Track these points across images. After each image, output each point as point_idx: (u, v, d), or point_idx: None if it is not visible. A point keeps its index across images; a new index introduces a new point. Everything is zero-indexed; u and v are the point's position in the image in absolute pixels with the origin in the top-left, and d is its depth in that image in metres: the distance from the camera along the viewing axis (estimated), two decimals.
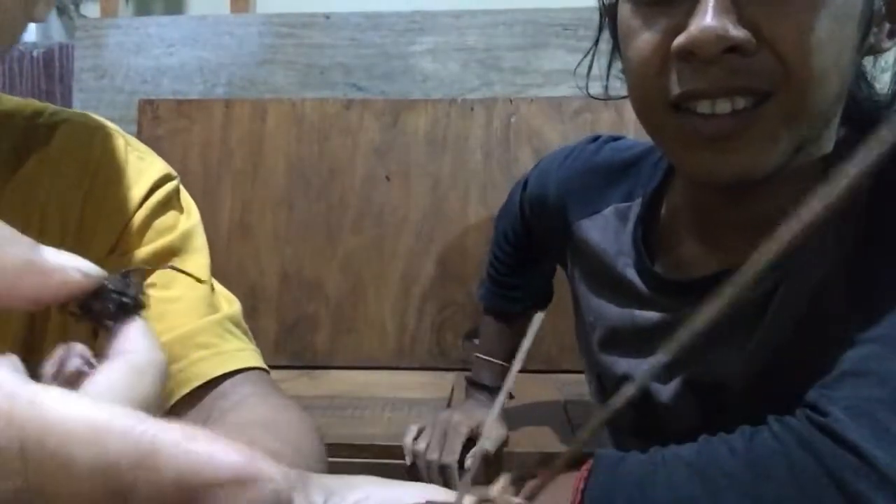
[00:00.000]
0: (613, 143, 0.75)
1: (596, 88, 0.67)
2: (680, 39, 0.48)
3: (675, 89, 0.50)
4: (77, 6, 1.62)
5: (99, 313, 0.22)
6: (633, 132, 1.16)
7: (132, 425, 0.15)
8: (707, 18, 0.46)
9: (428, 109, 1.41)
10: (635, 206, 0.67)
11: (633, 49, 0.53)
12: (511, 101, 1.40)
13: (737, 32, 0.46)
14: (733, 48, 0.47)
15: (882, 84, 0.58)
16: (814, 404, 0.46)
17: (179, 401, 0.50)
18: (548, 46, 1.47)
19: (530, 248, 0.87)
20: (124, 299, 0.22)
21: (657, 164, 0.68)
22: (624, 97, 0.59)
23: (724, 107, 0.49)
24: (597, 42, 0.65)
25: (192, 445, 0.16)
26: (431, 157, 1.39)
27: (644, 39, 0.52)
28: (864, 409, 0.44)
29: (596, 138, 0.77)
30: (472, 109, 1.40)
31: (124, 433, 0.15)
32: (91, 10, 1.65)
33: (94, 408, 0.16)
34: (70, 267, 0.21)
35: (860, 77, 0.57)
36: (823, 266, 0.53)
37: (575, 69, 0.67)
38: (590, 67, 0.67)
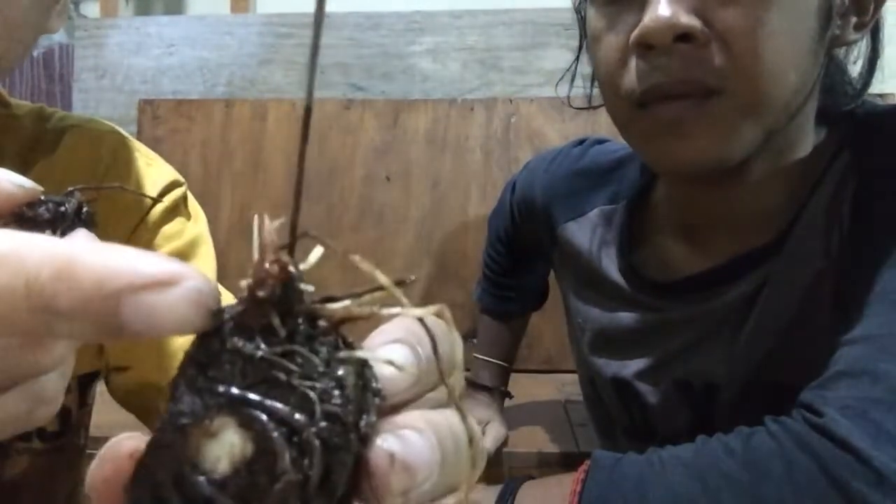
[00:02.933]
0: (598, 147, 0.75)
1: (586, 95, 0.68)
2: (635, 32, 0.50)
3: (638, 88, 0.51)
4: (77, 6, 1.61)
5: (33, 220, 0.22)
6: None
7: (49, 243, 0.15)
8: (659, 8, 0.48)
9: (428, 109, 1.41)
10: (620, 208, 0.68)
11: (600, 52, 0.55)
12: (511, 101, 1.40)
13: (688, 20, 0.48)
14: (685, 36, 0.48)
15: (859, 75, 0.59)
16: (809, 405, 0.46)
17: None
18: (548, 46, 1.47)
19: (522, 249, 0.87)
20: (62, 208, 0.22)
21: (642, 167, 0.68)
22: (601, 106, 0.60)
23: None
24: (578, 56, 0.67)
25: (109, 253, 0.15)
26: (431, 157, 1.39)
27: (608, 42, 0.53)
28: (860, 409, 0.44)
29: (581, 141, 0.77)
30: (472, 109, 1.40)
31: (41, 248, 0.15)
32: (91, 10, 1.64)
33: (8, 233, 0.15)
34: (2, 179, 0.21)
35: (834, 70, 0.57)
36: (809, 266, 0.53)
37: (557, 83, 0.69)
38: (572, 79, 0.68)
